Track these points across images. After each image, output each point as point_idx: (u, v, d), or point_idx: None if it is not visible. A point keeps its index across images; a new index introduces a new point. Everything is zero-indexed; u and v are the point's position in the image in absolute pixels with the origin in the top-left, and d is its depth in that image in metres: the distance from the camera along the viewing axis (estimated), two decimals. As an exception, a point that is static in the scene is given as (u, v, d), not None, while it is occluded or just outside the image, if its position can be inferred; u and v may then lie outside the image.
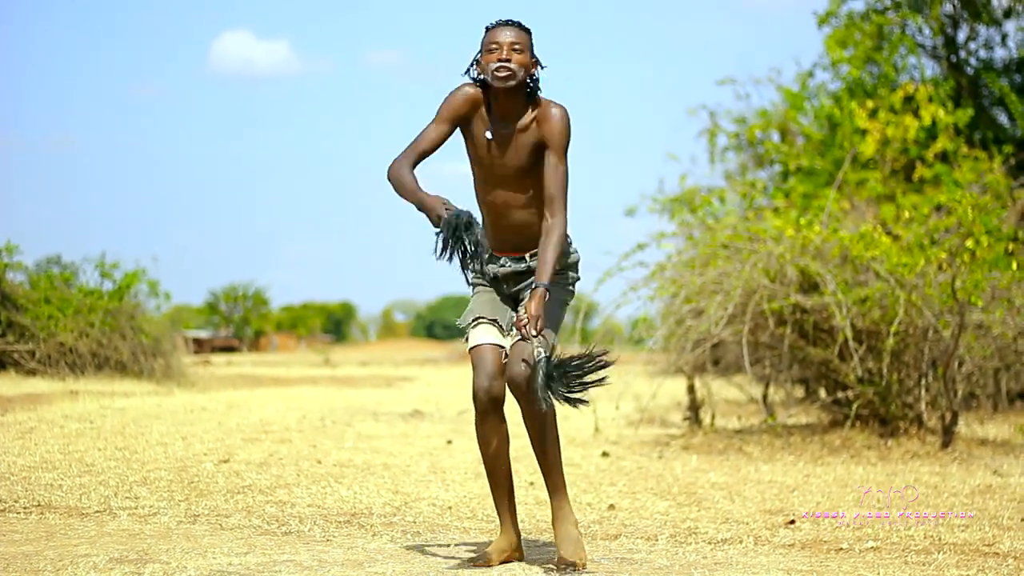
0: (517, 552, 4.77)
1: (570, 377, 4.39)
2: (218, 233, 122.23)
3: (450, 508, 6.14)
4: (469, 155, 4.74)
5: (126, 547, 4.85)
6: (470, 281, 4.77)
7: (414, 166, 4.63)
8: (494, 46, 4.60)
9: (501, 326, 4.66)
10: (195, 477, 6.90)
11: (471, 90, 4.69)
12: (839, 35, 16.37)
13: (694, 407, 10.66)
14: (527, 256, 4.70)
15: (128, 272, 18.61)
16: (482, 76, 4.66)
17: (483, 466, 4.75)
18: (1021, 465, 8.19)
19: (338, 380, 22.65)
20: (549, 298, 4.57)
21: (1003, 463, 8.30)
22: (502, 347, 4.62)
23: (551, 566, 4.59)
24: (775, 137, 17.27)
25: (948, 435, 8.90)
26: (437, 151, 4.68)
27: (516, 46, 4.60)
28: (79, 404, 11.81)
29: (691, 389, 10.72)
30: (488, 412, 4.58)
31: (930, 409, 9.41)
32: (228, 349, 52.88)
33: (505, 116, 4.65)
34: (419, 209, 4.53)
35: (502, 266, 4.72)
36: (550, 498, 4.68)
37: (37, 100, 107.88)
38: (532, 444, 4.65)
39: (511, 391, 4.56)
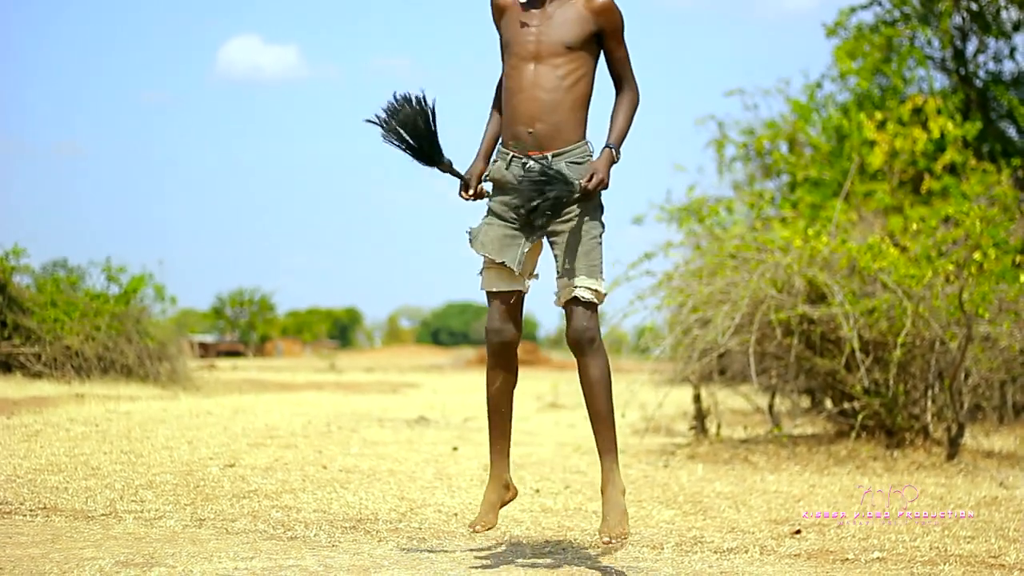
0: (509, 494, 4.86)
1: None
2: (224, 238, 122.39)
3: (456, 514, 6.14)
4: (504, 41, 4.73)
5: (132, 551, 4.85)
6: (488, 207, 4.75)
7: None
8: None
9: (510, 269, 4.67)
10: (201, 481, 6.90)
11: None
12: (848, 46, 16.37)
13: (700, 416, 10.65)
14: (550, 156, 4.63)
15: (134, 276, 18.65)
16: None
17: (486, 404, 4.83)
18: (1027, 478, 8.18)
19: (343, 386, 22.67)
20: (589, 235, 4.59)
21: (1009, 475, 8.28)
22: (513, 291, 4.68)
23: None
24: (783, 148, 17.26)
25: (954, 447, 8.89)
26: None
27: None
28: (85, 407, 11.81)
29: (697, 398, 10.71)
30: (499, 354, 4.72)
31: (936, 421, 9.40)
32: (233, 354, 52.88)
33: None
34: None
35: (524, 164, 4.64)
36: (601, 459, 4.67)
37: (45, 105, 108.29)
38: (585, 398, 4.66)
39: (570, 347, 4.61)
